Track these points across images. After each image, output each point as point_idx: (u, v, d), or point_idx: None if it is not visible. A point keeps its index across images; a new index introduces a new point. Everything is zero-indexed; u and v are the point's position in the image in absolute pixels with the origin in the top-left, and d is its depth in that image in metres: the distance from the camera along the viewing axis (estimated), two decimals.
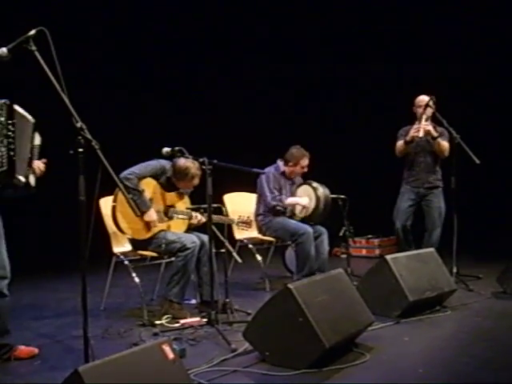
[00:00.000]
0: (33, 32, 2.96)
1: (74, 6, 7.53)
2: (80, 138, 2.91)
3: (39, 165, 3.70)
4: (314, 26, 8.77)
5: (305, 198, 5.80)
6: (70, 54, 3.19)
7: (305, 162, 5.90)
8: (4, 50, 2.98)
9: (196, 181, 4.84)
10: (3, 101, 3.35)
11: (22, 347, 3.72)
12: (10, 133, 3.33)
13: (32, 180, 3.64)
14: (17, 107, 3.43)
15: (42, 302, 5.46)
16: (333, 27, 8.67)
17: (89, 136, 2.91)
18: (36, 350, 3.76)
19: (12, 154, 3.33)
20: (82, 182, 2.92)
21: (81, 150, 2.91)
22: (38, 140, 3.69)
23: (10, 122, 3.34)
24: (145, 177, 4.74)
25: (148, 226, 4.73)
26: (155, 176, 4.82)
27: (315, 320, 3.35)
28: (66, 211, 4.19)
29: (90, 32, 7.80)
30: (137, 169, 4.71)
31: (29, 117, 3.58)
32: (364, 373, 3.34)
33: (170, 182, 4.87)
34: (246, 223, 4.98)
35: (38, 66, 2.92)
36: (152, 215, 4.69)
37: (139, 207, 4.55)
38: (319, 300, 3.53)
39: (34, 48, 2.96)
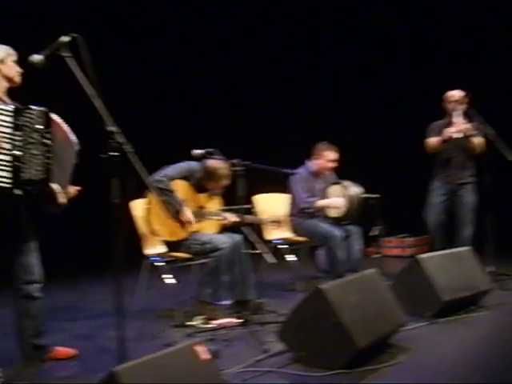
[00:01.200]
0: (67, 39, 3.01)
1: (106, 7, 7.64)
2: (112, 141, 2.95)
3: (73, 190, 3.68)
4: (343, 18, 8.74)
5: (337, 198, 5.76)
6: (99, 56, 3.21)
7: (329, 155, 5.85)
8: (40, 56, 3.04)
9: (225, 182, 4.86)
10: (43, 109, 3.39)
11: (59, 348, 3.79)
12: (46, 141, 3.37)
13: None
14: (55, 117, 3.47)
15: (77, 304, 5.55)
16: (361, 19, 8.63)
17: (121, 139, 2.95)
18: (72, 351, 3.83)
19: (48, 161, 3.36)
20: (115, 184, 2.96)
21: (113, 153, 2.94)
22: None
23: (47, 130, 3.38)
24: (175, 178, 4.78)
25: (181, 227, 4.76)
26: (185, 178, 4.85)
27: (348, 321, 3.33)
28: (100, 214, 4.23)
29: (119, 33, 7.88)
30: (167, 171, 4.75)
31: (73, 140, 3.56)
32: (398, 373, 3.31)
33: (200, 184, 4.90)
34: (277, 223, 4.97)
35: (70, 71, 2.97)
36: (187, 214, 4.72)
37: (173, 207, 4.59)
38: (352, 300, 3.51)
39: (66, 54, 3.01)
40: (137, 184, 3.12)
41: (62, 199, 3.50)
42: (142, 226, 4.89)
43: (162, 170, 4.73)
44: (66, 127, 3.53)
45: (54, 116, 3.48)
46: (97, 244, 5.28)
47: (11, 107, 3.33)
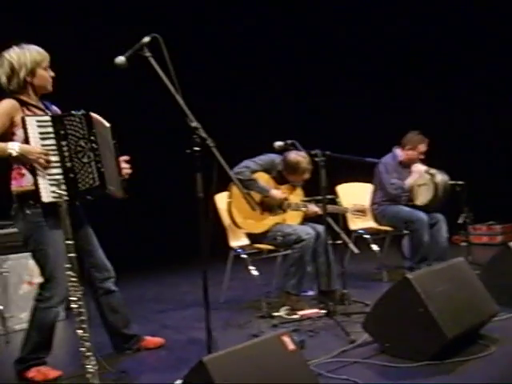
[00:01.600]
0: (147, 39, 3.07)
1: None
2: (195, 136, 3.00)
3: (125, 167, 3.57)
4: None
5: (416, 167, 5.64)
6: (182, 51, 3.26)
7: (423, 147, 5.76)
8: (122, 58, 3.11)
9: (306, 175, 4.85)
10: (80, 112, 3.31)
11: (149, 338, 3.92)
12: (93, 144, 3.30)
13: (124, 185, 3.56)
14: (93, 115, 3.39)
15: (165, 296, 5.71)
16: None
17: (204, 135, 3.00)
18: (162, 341, 3.95)
19: (100, 166, 3.30)
20: (199, 179, 3.01)
21: (196, 148, 3.00)
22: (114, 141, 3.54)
23: (91, 133, 3.30)
24: (257, 171, 4.82)
25: (263, 219, 4.80)
26: (266, 170, 4.89)
27: (436, 311, 3.26)
28: (185, 208, 4.33)
29: (190, 27, 8.00)
30: (248, 164, 4.80)
31: (105, 122, 3.48)
32: (489, 365, 3.21)
33: (281, 176, 4.92)
34: (361, 212, 4.92)
35: (152, 70, 3.04)
36: (276, 193, 4.76)
37: (262, 193, 4.64)
38: (440, 290, 3.43)
39: (148, 54, 3.08)
40: (220, 178, 3.15)
41: (119, 194, 3.50)
42: (225, 218, 4.97)
43: (243, 163, 4.79)
44: (97, 116, 3.44)
45: (94, 115, 3.41)
46: (184, 237, 5.40)
47: (47, 117, 3.30)
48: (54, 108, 3.55)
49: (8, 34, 3.53)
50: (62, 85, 3.52)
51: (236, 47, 8.26)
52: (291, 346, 2.73)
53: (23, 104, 3.34)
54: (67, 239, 3.00)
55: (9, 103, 3.29)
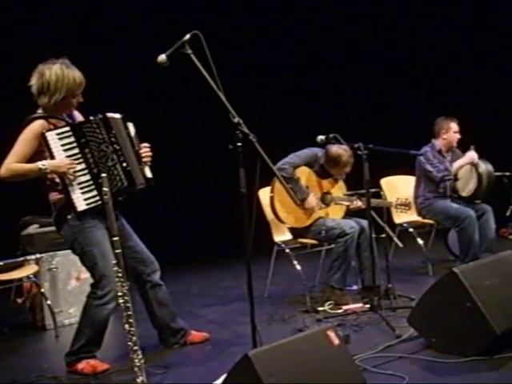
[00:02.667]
0: (188, 36, 3.09)
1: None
2: (238, 132, 3.01)
3: (146, 153, 3.58)
4: None
5: (470, 153, 5.53)
6: (221, 48, 3.26)
7: (455, 126, 5.68)
8: (163, 56, 3.14)
9: (348, 168, 4.83)
10: (98, 117, 3.38)
11: (195, 332, 3.96)
12: (115, 146, 3.37)
13: (148, 173, 3.58)
14: (109, 115, 3.43)
15: (209, 291, 5.75)
16: None
17: (246, 130, 3.01)
18: (208, 335, 3.98)
19: (125, 165, 3.37)
20: (242, 174, 3.02)
21: (239, 143, 3.01)
22: (132, 131, 3.56)
23: (111, 135, 3.37)
24: (299, 166, 4.81)
25: (307, 213, 4.79)
26: (309, 164, 4.87)
27: (484, 305, 3.20)
28: (229, 204, 4.35)
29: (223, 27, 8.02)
30: (291, 159, 4.79)
31: (116, 116, 3.50)
32: None
33: (323, 169, 4.90)
34: (405, 205, 4.86)
35: (194, 67, 3.06)
36: (311, 201, 4.75)
37: (299, 194, 4.64)
38: (488, 284, 3.36)
39: (189, 51, 3.10)
40: (262, 173, 3.15)
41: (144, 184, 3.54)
42: (268, 213, 4.97)
43: (285, 158, 4.78)
44: (112, 114, 3.48)
45: (109, 114, 3.45)
46: (229, 232, 5.43)
47: (67, 128, 3.34)
48: (76, 114, 3.60)
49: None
50: (102, 83, 3.54)
51: (277, 44, 8.24)
52: (336, 341, 2.72)
53: (46, 118, 3.41)
54: (113, 236, 3.06)
55: (39, 126, 3.36)
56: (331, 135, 4.57)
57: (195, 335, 3.94)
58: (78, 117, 3.61)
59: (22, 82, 3.50)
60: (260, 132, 3.11)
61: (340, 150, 4.72)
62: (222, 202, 6.81)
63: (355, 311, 4.32)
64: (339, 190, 4.97)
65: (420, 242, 5.64)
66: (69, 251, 4.68)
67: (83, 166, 3.35)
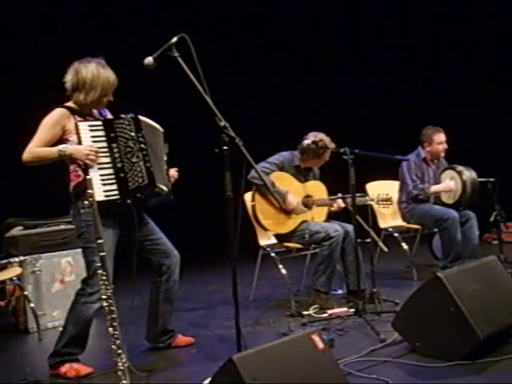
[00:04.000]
0: (175, 39, 3.09)
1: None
2: (224, 136, 3.01)
3: (173, 173, 3.78)
4: None
5: (449, 181, 5.58)
6: (207, 53, 3.27)
7: (438, 137, 5.70)
8: (150, 58, 3.15)
9: (327, 155, 4.84)
10: (129, 115, 3.45)
11: (181, 336, 3.95)
12: (142, 145, 3.44)
13: (168, 186, 3.68)
14: (143, 118, 3.52)
15: (194, 295, 5.73)
16: None
17: (232, 134, 3.01)
18: (192, 340, 3.97)
19: (149, 165, 3.42)
20: (228, 178, 3.02)
21: (225, 147, 3.01)
22: (166, 149, 3.73)
23: (139, 134, 3.44)
24: (272, 172, 4.80)
25: (289, 218, 4.79)
26: (282, 169, 4.87)
27: (468, 310, 3.22)
28: (214, 207, 4.35)
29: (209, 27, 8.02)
30: (262, 167, 4.73)
31: (157, 126, 3.66)
32: None
33: (299, 171, 4.90)
34: (387, 200, 4.86)
35: (181, 70, 3.06)
36: (291, 201, 4.74)
37: (280, 196, 4.64)
38: (471, 289, 3.39)
39: (176, 54, 3.10)
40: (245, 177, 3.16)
41: (165, 190, 3.59)
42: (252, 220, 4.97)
43: (258, 166, 4.72)
44: (148, 120, 3.59)
45: (144, 118, 3.55)
46: (214, 236, 5.42)
47: (99, 122, 3.42)
48: (106, 113, 3.66)
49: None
50: None
51: (263, 46, 8.26)
52: (321, 345, 2.72)
53: (75, 112, 3.47)
54: (98, 238, 3.05)
55: (59, 113, 3.45)
56: (317, 139, 4.61)
57: (181, 339, 3.93)
58: (108, 115, 3.65)
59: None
60: (245, 136, 3.11)
61: (319, 134, 4.73)
62: (207, 206, 6.80)
63: (340, 315, 4.33)
64: (321, 192, 4.97)
65: (405, 246, 5.67)
66: (53, 254, 4.73)
67: (108, 159, 3.39)
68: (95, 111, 3.59)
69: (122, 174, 3.38)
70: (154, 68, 3.16)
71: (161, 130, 3.69)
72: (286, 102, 8.35)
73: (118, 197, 3.35)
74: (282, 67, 8.36)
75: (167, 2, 7.56)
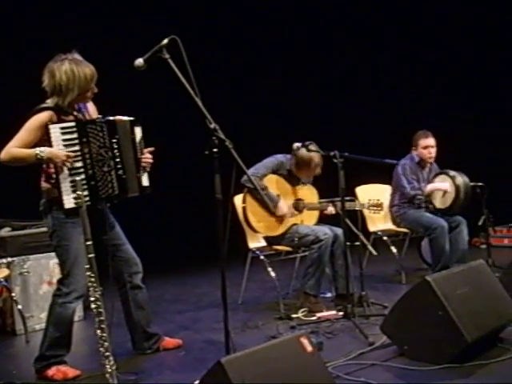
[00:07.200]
0: (165, 41, 3.08)
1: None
2: (214, 138, 3.01)
3: (147, 159, 3.59)
4: None
5: (445, 183, 5.60)
6: (199, 54, 3.26)
7: (425, 142, 5.68)
8: (140, 60, 3.14)
9: (318, 170, 4.84)
10: (104, 119, 3.39)
11: (168, 339, 3.93)
12: (115, 151, 3.39)
13: (145, 181, 3.60)
14: (117, 118, 3.45)
15: (183, 297, 5.71)
16: None
17: (222, 136, 3.01)
18: (181, 342, 3.96)
19: (121, 173, 3.39)
20: (217, 180, 3.02)
21: (215, 150, 3.01)
22: (138, 135, 3.56)
23: (113, 140, 3.40)
24: (266, 175, 4.79)
25: (279, 221, 4.80)
26: (275, 172, 4.86)
27: (456, 313, 3.24)
28: (204, 209, 4.34)
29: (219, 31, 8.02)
30: (256, 169, 4.74)
31: (125, 118, 3.52)
32: (509, 369, 3.17)
33: (291, 174, 4.91)
34: (377, 206, 4.87)
35: (171, 72, 3.05)
36: (282, 207, 4.75)
37: (271, 201, 4.65)
38: (460, 292, 3.40)
39: (167, 56, 3.09)
40: (238, 179, 3.16)
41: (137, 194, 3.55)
42: (243, 221, 4.96)
43: (251, 169, 4.72)
44: (120, 117, 3.49)
45: (119, 117, 3.47)
46: (203, 238, 5.41)
47: (72, 123, 3.33)
48: (87, 107, 3.55)
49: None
50: None
51: (254, 50, 8.26)
52: (309, 348, 2.72)
53: (60, 112, 3.37)
54: (87, 240, 3.04)
55: (47, 116, 3.33)
56: (307, 142, 4.61)
57: (168, 341, 3.91)
58: (91, 108, 3.56)
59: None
60: (235, 138, 3.11)
61: (311, 152, 4.73)
62: (197, 208, 6.78)
63: (329, 318, 4.33)
64: (312, 195, 4.97)
65: (394, 250, 5.69)
66: (41, 255, 4.69)
67: (80, 164, 3.34)
68: (76, 107, 3.47)
69: (92, 182, 3.33)
70: (144, 69, 3.15)
71: (127, 119, 3.51)
72: (276, 105, 8.35)
73: (88, 203, 3.26)
74: (272, 70, 8.37)
75: (155, 5, 7.54)
